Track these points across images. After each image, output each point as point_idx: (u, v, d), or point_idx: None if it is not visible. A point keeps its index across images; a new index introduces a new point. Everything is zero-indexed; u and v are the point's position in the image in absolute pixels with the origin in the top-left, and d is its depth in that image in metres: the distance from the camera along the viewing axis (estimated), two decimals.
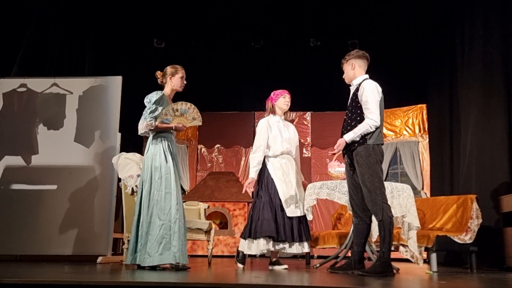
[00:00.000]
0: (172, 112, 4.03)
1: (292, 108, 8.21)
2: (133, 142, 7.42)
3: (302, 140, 8.21)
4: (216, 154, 8.54)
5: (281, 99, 4.55)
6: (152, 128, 4.02)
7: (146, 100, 4.09)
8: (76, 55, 6.51)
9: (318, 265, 4.56)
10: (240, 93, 8.59)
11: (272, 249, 4.18)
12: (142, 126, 4.03)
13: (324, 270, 4.05)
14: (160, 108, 4.03)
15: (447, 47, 6.55)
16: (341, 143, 3.67)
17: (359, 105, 3.71)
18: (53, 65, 6.07)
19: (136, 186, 4.70)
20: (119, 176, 4.86)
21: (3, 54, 5.71)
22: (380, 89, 3.72)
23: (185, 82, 4.24)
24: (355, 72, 3.85)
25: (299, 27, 7.40)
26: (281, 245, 4.17)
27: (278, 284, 2.73)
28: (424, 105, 7.64)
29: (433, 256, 4.29)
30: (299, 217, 4.24)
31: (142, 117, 4.05)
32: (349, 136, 3.63)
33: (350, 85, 3.92)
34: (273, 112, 4.56)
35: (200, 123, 4.19)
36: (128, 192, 4.69)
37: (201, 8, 6.89)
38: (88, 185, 5.10)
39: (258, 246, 4.14)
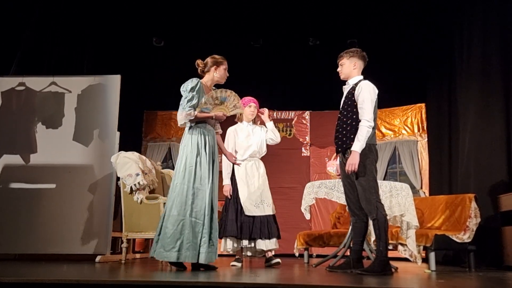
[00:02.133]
0: (211, 100, 3.85)
1: (291, 107, 8.33)
2: (132, 141, 7.43)
3: (301, 139, 8.22)
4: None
5: (247, 109, 4.79)
6: (192, 118, 3.81)
7: (182, 89, 3.89)
8: (74, 54, 6.51)
9: (316, 264, 4.57)
10: (238, 91, 8.58)
11: (237, 247, 4.47)
12: (181, 117, 3.82)
13: (322, 269, 4.05)
14: (197, 96, 3.85)
15: (446, 47, 6.55)
16: (356, 156, 3.59)
17: (355, 103, 3.73)
18: (52, 63, 6.06)
19: (134, 185, 4.71)
20: (118, 175, 4.86)
21: (2, 52, 5.70)
22: (376, 90, 3.76)
23: (227, 74, 4.07)
24: (354, 71, 3.86)
25: (298, 26, 7.39)
26: (245, 242, 4.44)
27: (276, 283, 2.74)
28: (423, 105, 7.64)
29: (432, 255, 4.29)
30: (262, 216, 4.48)
31: (180, 107, 3.84)
32: (358, 146, 3.60)
33: (345, 82, 3.93)
34: (240, 120, 4.84)
35: (242, 111, 4.08)
36: (127, 191, 4.70)
37: (200, 7, 6.88)
38: (87, 184, 5.10)
39: (226, 245, 4.48)
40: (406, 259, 4.60)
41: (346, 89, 3.91)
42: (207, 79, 4.03)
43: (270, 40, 7.78)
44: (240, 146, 4.69)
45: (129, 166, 4.77)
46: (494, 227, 4.87)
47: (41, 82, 5.33)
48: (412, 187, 7.04)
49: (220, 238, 4.41)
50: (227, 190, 4.58)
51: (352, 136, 3.68)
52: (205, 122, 3.92)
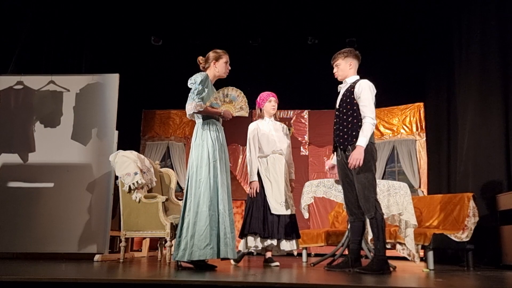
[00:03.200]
0: (222, 97, 3.82)
1: (289, 106, 8.33)
2: (130, 140, 7.42)
3: (299, 138, 8.21)
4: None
5: (267, 104, 4.73)
6: (201, 110, 3.75)
7: (190, 82, 3.84)
8: (73, 53, 6.50)
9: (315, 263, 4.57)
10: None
11: (260, 245, 4.35)
12: (191, 107, 3.75)
13: (321, 268, 4.05)
14: (206, 90, 3.81)
15: (444, 46, 6.55)
16: (360, 151, 3.57)
17: (354, 101, 3.73)
18: (50, 62, 6.06)
19: (133, 184, 4.70)
20: (116, 174, 4.85)
21: (0, 51, 5.69)
22: (374, 88, 3.77)
23: (229, 67, 4.02)
24: (351, 71, 3.88)
25: (297, 25, 7.39)
26: (268, 242, 4.34)
27: (275, 281, 2.73)
28: (421, 104, 7.65)
29: (430, 254, 4.30)
30: (286, 216, 4.41)
31: (189, 98, 3.79)
32: (363, 141, 3.59)
33: (342, 82, 3.94)
34: (261, 116, 4.75)
35: (247, 115, 3.99)
36: (125, 189, 4.69)
37: (199, 6, 6.88)
38: (85, 183, 5.09)
39: (246, 243, 4.38)
40: (404, 258, 4.60)
41: (343, 87, 3.91)
42: (209, 74, 3.97)
43: (268, 39, 7.77)
44: (263, 142, 4.60)
45: (127, 165, 4.76)
46: (492, 226, 4.88)
47: (39, 81, 5.31)
48: (411, 186, 7.04)
49: (245, 235, 4.40)
50: (255, 187, 4.46)
51: (353, 134, 3.68)
52: (216, 118, 3.88)
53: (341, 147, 3.80)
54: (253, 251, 4.51)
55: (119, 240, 5.09)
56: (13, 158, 5.15)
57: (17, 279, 2.59)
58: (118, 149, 5.07)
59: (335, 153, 4.00)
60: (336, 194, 4.39)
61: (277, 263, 4.41)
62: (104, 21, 6.95)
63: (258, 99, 4.75)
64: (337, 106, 3.91)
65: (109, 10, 6.78)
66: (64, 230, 4.95)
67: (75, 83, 5.33)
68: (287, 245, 4.39)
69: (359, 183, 3.65)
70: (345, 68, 3.88)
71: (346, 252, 4.16)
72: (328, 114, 8.01)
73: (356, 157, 3.56)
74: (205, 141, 3.78)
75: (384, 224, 3.62)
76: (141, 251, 6.44)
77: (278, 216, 4.37)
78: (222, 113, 3.84)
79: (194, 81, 3.82)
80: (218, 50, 3.98)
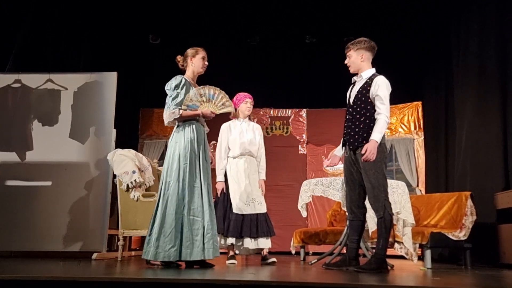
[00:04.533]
0: (198, 97, 3.77)
1: (288, 105, 8.32)
2: (128, 139, 7.40)
3: (297, 137, 8.21)
4: (212, 151, 8.49)
5: (243, 105, 4.76)
6: (177, 117, 3.74)
7: (166, 88, 3.83)
8: (71, 51, 6.48)
9: (314, 261, 4.58)
10: (235, 89, 8.56)
11: (224, 244, 4.39)
12: (166, 116, 3.76)
13: (319, 267, 4.05)
14: (182, 93, 3.77)
15: (443, 45, 6.56)
16: (374, 145, 3.49)
17: (369, 100, 3.66)
18: (48, 60, 6.04)
19: (131, 182, 4.70)
20: (114, 173, 4.85)
21: None
22: (390, 86, 3.72)
23: (206, 63, 3.99)
24: (364, 64, 3.79)
25: (295, 23, 7.38)
26: (231, 240, 4.37)
27: (273, 280, 2.74)
28: (419, 103, 7.65)
29: (428, 252, 4.30)
30: (252, 214, 4.43)
31: (166, 106, 3.79)
32: (377, 136, 3.52)
33: (355, 75, 3.84)
34: (236, 116, 4.76)
35: (232, 110, 3.97)
36: (123, 188, 4.69)
37: (197, 5, 6.87)
38: (83, 181, 5.08)
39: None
40: (402, 257, 4.61)
41: (358, 82, 3.79)
42: (189, 73, 3.96)
43: (267, 38, 7.77)
44: (233, 143, 4.65)
45: (125, 163, 4.76)
46: (490, 225, 4.89)
47: (37, 79, 5.30)
48: (409, 185, 7.04)
49: None
50: (220, 187, 4.54)
51: (365, 135, 3.61)
52: (195, 119, 3.84)
53: (351, 146, 3.73)
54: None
55: (117, 239, 5.10)
56: (11, 157, 5.14)
57: (15, 277, 2.59)
58: (116, 148, 5.07)
59: (342, 147, 3.90)
60: (334, 192, 4.39)
61: (274, 259, 4.45)
62: (102, 19, 6.93)
63: (234, 99, 4.76)
64: (350, 101, 3.79)
65: (107, 8, 6.76)
66: (62, 228, 4.95)
67: (73, 81, 5.32)
68: (251, 243, 4.40)
69: (369, 182, 3.57)
70: (357, 61, 3.79)
71: (344, 250, 4.16)
72: (326, 113, 8.02)
73: (371, 150, 3.46)
74: (178, 143, 3.76)
75: (391, 225, 3.58)
76: (139, 249, 6.43)
77: (243, 215, 4.41)
78: (201, 114, 3.80)
79: (169, 87, 3.82)
80: (196, 47, 3.98)
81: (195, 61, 3.93)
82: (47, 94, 5.28)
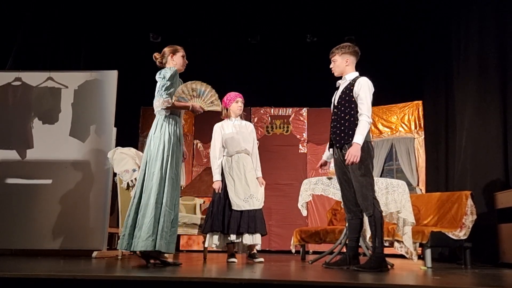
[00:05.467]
0: (190, 91, 3.82)
1: (288, 104, 8.32)
2: (128, 137, 7.41)
3: (298, 136, 8.22)
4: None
5: (234, 104, 4.81)
6: (169, 106, 3.79)
7: (159, 76, 3.84)
8: (71, 49, 6.48)
9: (313, 260, 4.58)
10: (236, 88, 8.56)
11: (218, 243, 4.49)
12: (159, 103, 3.80)
13: (319, 266, 4.05)
14: (174, 85, 3.83)
15: (443, 44, 6.55)
16: (357, 148, 3.57)
17: (353, 99, 3.73)
18: (48, 59, 6.04)
19: (131, 180, 4.70)
20: (115, 171, 4.85)
21: None
22: (373, 87, 3.78)
23: (186, 61, 4.03)
24: (348, 67, 3.87)
25: (296, 22, 7.38)
26: (233, 237, 4.42)
27: (273, 279, 2.74)
28: (420, 102, 7.65)
29: (428, 252, 4.30)
30: (250, 211, 4.48)
31: (157, 94, 3.82)
32: (359, 138, 3.59)
33: (340, 78, 3.93)
34: (227, 116, 4.81)
35: (219, 109, 4.03)
36: (124, 186, 4.69)
37: (198, 3, 6.86)
38: (83, 179, 5.08)
39: (211, 241, 4.51)
40: (402, 256, 4.61)
41: (342, 84, 3.90)
42: None
43: (267, 37, 7.76)
44: (227, 142, 4.69)
45: (125, 162, 4.76)
46: (490, 224, 4.88)
47: (38, 77, 5.30)
48: (409, 184, 7.05)
49: (205, 233, 4.55)
50: (218, 186, 4.58)
51: (350, 133, 3.68)
52: (177, 113, 3.90)
53: (338, 145, 3.81)
54: (214, 247, 4.58)
55: (117, 237, 5.10)
56: (11, 155, 5.14)
57: (15, 275, 2.59)
58: (116, 146, 5.07)
59: (328, 150, 4.02)
60: (334, 191, 4.40)
61: (262, 259, 4.50)
62: (103, 17, 6.93)
63: (225, 98, 4.80)
64: (335, 103, 3.91)
65: (108, 6, 6.76)
66: (62, 226, 4.95)
67: (73, 79, 5.32)
68: (249, 239, 4.45)
69: (357, 181, 3.65)
70: (341, 65, 3.87)
71: (344, 249, 4.16)
72: (326, 112, 7.97)
73: (353, 154, 3.56)
74: (163, 135, 3.80)
75: (382, 222, 3.63)
76: None
77: (241, 212, 4.46)
78: (190, 107, 3.85)
79: (163, 76, 3.82)
80: (173, 45, 4.00)
81: (176, 59, 3.96)
82: (47, 92, 5.28)
